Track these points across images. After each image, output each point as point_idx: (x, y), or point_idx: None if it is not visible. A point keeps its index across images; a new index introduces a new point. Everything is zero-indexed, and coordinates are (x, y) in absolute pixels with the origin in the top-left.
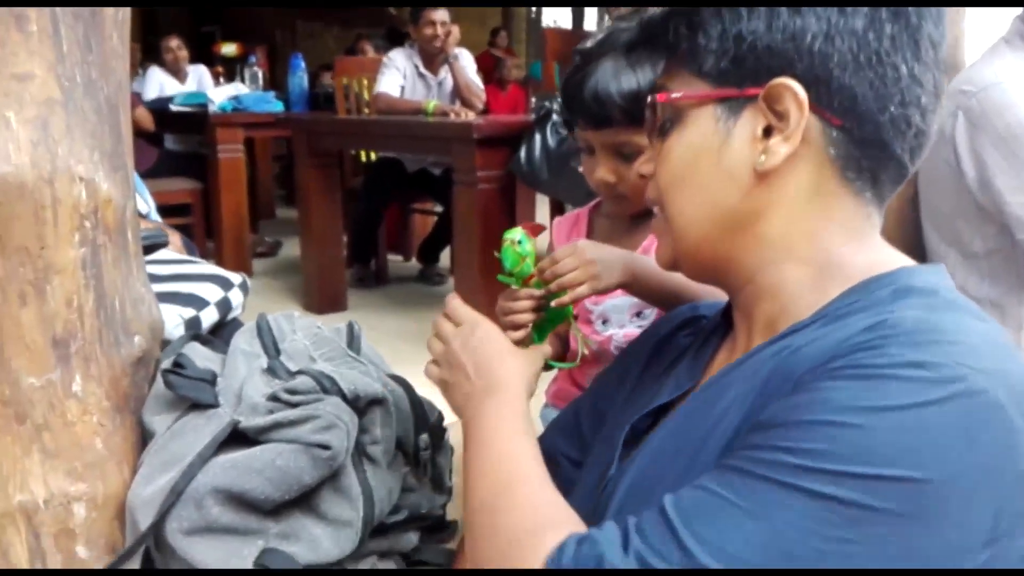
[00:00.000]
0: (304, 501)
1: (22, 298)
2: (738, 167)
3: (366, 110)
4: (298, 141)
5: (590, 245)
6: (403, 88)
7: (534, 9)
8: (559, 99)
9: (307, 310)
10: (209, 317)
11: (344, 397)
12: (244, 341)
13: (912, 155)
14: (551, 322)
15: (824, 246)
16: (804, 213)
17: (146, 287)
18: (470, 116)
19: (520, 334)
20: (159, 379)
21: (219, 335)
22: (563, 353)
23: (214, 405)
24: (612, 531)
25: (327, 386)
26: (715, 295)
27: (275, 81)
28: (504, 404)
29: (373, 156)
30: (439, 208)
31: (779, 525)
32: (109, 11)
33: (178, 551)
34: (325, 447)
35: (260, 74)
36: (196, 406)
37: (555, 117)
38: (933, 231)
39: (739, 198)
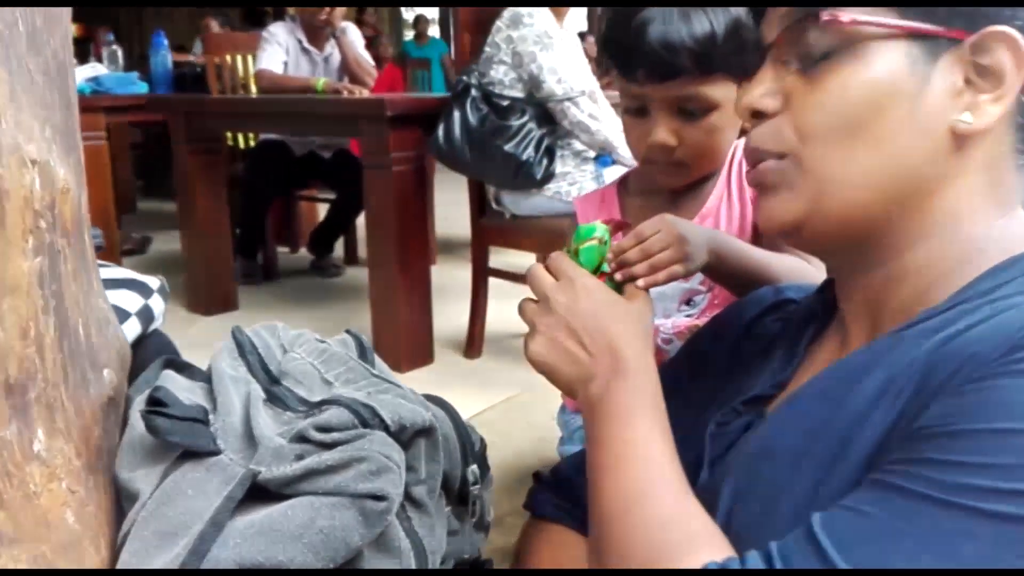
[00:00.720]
0: (343, 565)
1: None
2: (934, 123)
3: (242, 90)
4: (175, 125)
5: (679, 220)
6: (286, 64)
7: None
8: (478, 73)
9: (193, 311)
10: (132, 331)
11: (387, 430)
12: (227, 364)
13: None
14: None
15: (984, 222)
16: (978, 185)
17: (107, 303)
18: (364, 93)
19: None
20: (133, 423)
21: (137, 353)
22: None
23: (215, 452)
24: (755, 560)
25: (367, 418)
26: (800, 276)
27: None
28: (637, 390)
29: (252, 141)
30: (330, 194)
31: (967, 558)
32: None
33: None
34: (379, 497)
35: (120, 53)
36: (189, 455)
37: (474, 93)
38: None
39: (924, 160)
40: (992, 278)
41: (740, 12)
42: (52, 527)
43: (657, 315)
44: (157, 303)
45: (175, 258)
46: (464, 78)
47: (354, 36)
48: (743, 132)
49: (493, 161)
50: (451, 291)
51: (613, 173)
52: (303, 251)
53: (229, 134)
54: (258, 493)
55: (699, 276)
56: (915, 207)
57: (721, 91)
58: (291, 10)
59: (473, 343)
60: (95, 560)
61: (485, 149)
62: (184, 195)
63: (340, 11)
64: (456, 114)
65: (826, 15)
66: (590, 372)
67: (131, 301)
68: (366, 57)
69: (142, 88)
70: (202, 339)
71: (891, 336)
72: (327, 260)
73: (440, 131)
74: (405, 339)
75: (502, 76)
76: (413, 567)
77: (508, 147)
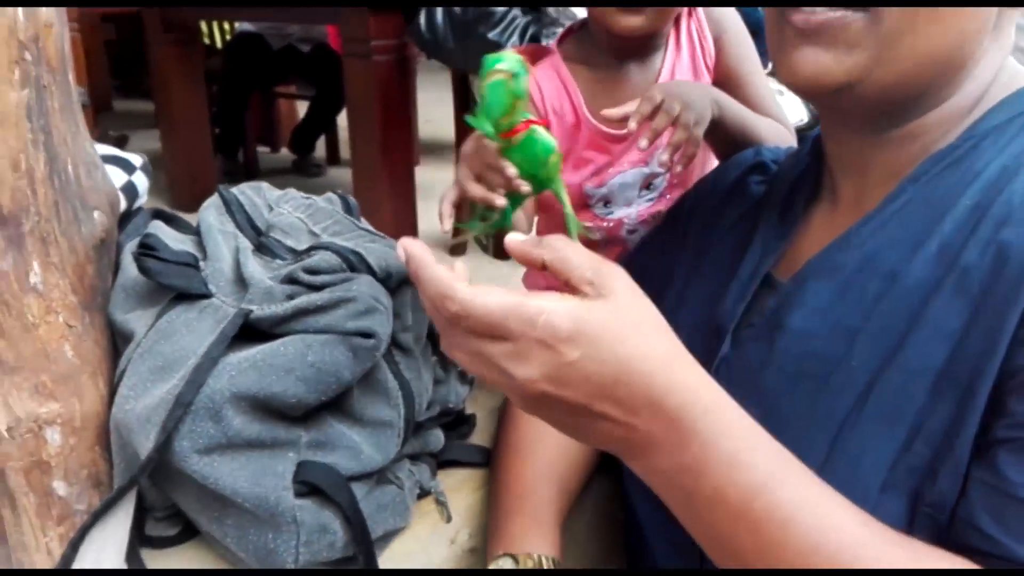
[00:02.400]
0: (334, 404)
1: None
2: None
3: None
4: (148, 16)
5: (670, 85)
6: None
7: None
8: None
9: (174, 209)
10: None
11: (374, 275)
12: (215, 218)
13: None
14: (522, 196)
15: (991, 69)
16: (1001, 44)
17: (94, 148)
18: None
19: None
20: (125, 267)
21: (124, 229)
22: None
23: (206, 294)
24: None
25: (354, 263)
26: (782, 140)
27: None
28: (717, 433)
29: (228, 36)
30: (309, 91)
31: None
32: None
33: (195, 475)
34: (367, 335)
35: None
36: (182, 297)
37: None
38: None
39: (979, 28)
40: (999, 113)
41: None
42: (51, 358)
43: (619, 204)
44: (141, 180)
45: (154, 157)
46: None
47: None
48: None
49: (477, 49)
50: (436, 192)
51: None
52: (284, 151)
53: (204, 30)
54: (250, 333)
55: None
56: (953, 76)
57: None
58: None
59: (458, 242)
60: (94, 393)
61: (469, 36)
62: (161, 92)
63: None
64: None
65: None
66: (646, 444)
67: (115, 176)
68: None
69: None
70: None
71: (904, 191)
72: (309, 159)
73: (422, 17)
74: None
75: None
76: (401, 406)
77: (492, 35)
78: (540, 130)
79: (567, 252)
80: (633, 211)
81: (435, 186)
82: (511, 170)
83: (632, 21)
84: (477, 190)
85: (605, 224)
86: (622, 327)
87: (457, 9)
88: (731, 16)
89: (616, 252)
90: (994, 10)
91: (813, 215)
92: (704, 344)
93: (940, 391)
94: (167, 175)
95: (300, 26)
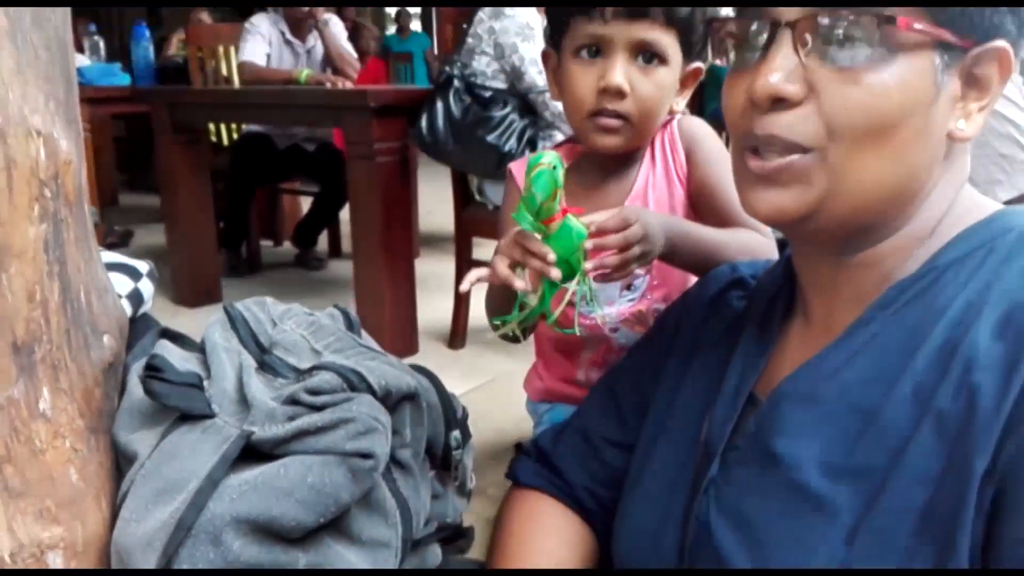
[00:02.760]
0: (332, 524)
1: None
2: (938, 130)
3: (224, 82)
4: (158, 117)
5: (642, 212)
6: (269, 56)
7: None
8: (460, 64)
9: (178, 303)
10: None
11: (374, 394)
12: (219, 335)
13: None
14: (562, 279)
15: (946, 203)
16: (952, 173)
17: (105, 273)
18: (347, 85)
19: (518, 282)
20: (131, 388)
21: (129, 341)
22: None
23: (210, 415)
24: None
25: (354, 382)
26: (754, 249)
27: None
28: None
29: (235, 134)
30: (313, 187)
31: None
32: None
33: None
34: (366, 455)
35: (102, 44)
36: (186, 417)
37: (457, 84)
38: None
39: (927, 162)
40: (957, 247)
41: None
42: (57, 482)
43: (598, 305)
44: (146, 286)
45: (158, 251)
46: (447, 69)
47: (337, 28)
48: (672, 113)
49: (476, 151)
50: (435, 283)
51: None
52: (287, 244)
53: (212, 128)
54: (252, 453)
55: None
56: (905, 204)
57: (673, 49)
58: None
59: (457, 334)
60: (97, 516)
61: (468, 139)
62: (167, 187)
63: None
64: (439, 104)
65: (885, 17)
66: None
67: (121, 284)
68: (349, 49)
69: (124, 80)
70: (187, 331)
71: (871, 321)
72: (311, 253)
73: (423, 121)
74: (390, 330)
75: (484, 67)
76: (399, 525)
77: (491, 138)
78: (573, 217)
79: None
80: (614, 310)
81: (434, 277)
82: (551, 255)
83: (609, 141)
84: (504, 271)
85: (587, 322)
86: None
87: (457, 114)
88: (701, 130)
89: (602, 349)
90: (943, 142)
91: (790, 331)
92: (695, 461)
93: (922, 534)
94: (171, 269)
95: (306, 127)
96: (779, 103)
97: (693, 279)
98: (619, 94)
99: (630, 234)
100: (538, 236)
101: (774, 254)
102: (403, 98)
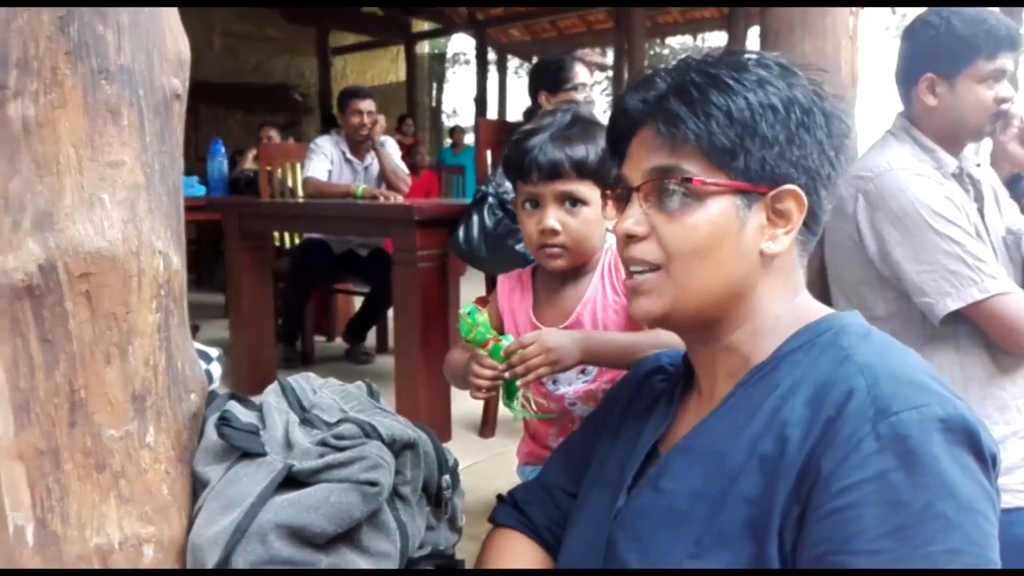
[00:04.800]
0: (348, 537)
1: (107, 358)
2: (749, 249)
3: (290, 194)
4: (230, 224)
5: (552, 333)
6: (330, 173)
7: (435, 99)
8: (495, 183)
9: (237, 391)
10: None
11: (383, 441)
12: (273, 399)
13: None
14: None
15: (786, 303)
16: (780, 281)
17: (194, 350)
18: (398, 199)
19: (483, 394)
20: (207, 432)
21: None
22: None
23: (263, 454)
24: None
25: (368, 432)
26: (662, 343)
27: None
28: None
29: (297, 240)
30: (365, 288)
31: None
32: (176, 107)
33: None
34: (374, 484)
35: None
36: (246, 455)
37: (491, 200)
38: (841, 297)
39: (744, 273)
40: (794, 341)
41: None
42: (153, 495)
43: (561, 384)
44: (216, 368)
45: (220, 344)
46: (482, 187)
47: (392, 148)
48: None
49: (506, 258)
50: None
51: None
52: (339, 340)
53: (276, 233)
54: (292, 481)
55: None
56: (738, 302)
57: (590, 192)
58: (338, 121)
59: (487, 423)
60: (177, 523)
61: (499, 248)
62: (234, 287)
63: (380, 127)
64: (475, 218)
65: (685, 178)
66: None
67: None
68: (402, 167)
69: (200, 191)
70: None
71: (734, 395)
72: (359, 348)
73: (460, 232)
74: (425, 419)
75: None
76: (398, 542)
77: (519, 247)
78: (501, 342)
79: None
80: (571, 389)
81: None
82: (487, 372)
83: (556, 264)
84: (476, 395)
85: (555, 395)
86: None
87: (490, 225)
88: None
89: (566, 421)
90: (758, 258)
91: (688, 403)
92: (611, 497)
93: (746, 536)
94: (232, 361)
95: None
96: (632, 238)
97: None
98: (553, 233)
99: (524, 354)
100: (484, 357)
101: (683, 346)
102: (444, 211)
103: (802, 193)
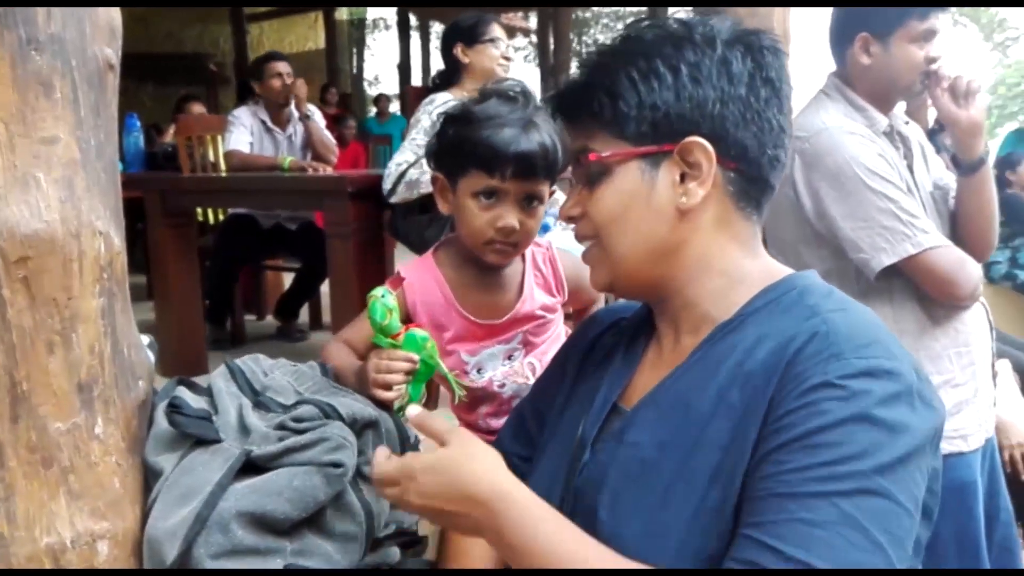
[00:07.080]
0: (312, 521)
1: (49, 347)
2: (664, 207)
3: (212, 169)
4: (151, 202)
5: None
6: (251, 144)
7: (356, 67)
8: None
9: (165, 375)
10: None
11: (344, 421)
12: (223, 383)
13: (778, 183)
14: (422, 377)
15: (731, 260)
16: (714, 237)
17: (138, 333)
18: (328, 170)
19: (393, 395)
20: (157, 420)
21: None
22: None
23: (218, 440)
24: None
25: (328, 412)
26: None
27: None
28: (515, 511)
29: (221, 215)
30: (295, 264)
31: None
32: (110, 77)
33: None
34: (338, 465)
35: None
36: (200, 443)
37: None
38: (779, 255)
39: (667, 231)
40: (759, 300)
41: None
42: (105, 488)
43: (488, 370)
44: (149, 355)
45: (144, 326)
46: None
47: (319, 119)
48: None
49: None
50: None
51: (552, 237)
52: (269, 318)
53: (199, 209)
54: (251, 467)
55: (518, 337)
56: (674, 260)
57: (546, 190)
58: (256, 91)
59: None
60: (131, 516)
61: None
62: (158, 267)
63: (303, 90)
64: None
65: (591, 155)
66: (476, 526)
67: None
68: (329, 138)
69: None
70: None
71: (700, 350)
72: (293, 325)
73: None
74: None
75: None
76: (363, 523)
77: (424, 219)
78: (416, 329)
79: (434, 424)
80: (499, 373)
81: None
82: (397, 365)
83: (503, 260)
84: (383, 394)
85: (479, 383)
86: (458, 459)
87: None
88: (585, 271)
89: (495, 402)
90: (673, 213)
91: (647, 356)
92: (575, 453)
93: (714, 482)
94: (160, 344)
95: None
96: (572, 219)
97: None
98: (512, 232)
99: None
100: (393, 351)
101: None
102: (377, 182)
103: (705, 143)
